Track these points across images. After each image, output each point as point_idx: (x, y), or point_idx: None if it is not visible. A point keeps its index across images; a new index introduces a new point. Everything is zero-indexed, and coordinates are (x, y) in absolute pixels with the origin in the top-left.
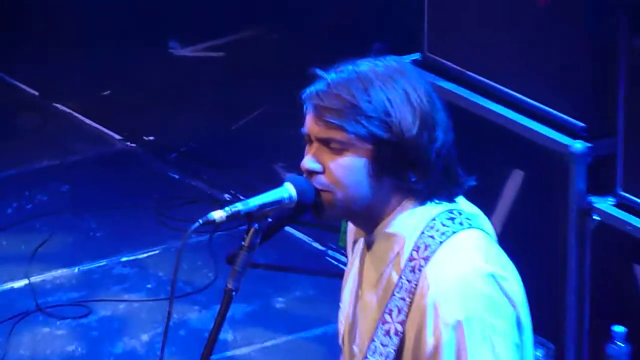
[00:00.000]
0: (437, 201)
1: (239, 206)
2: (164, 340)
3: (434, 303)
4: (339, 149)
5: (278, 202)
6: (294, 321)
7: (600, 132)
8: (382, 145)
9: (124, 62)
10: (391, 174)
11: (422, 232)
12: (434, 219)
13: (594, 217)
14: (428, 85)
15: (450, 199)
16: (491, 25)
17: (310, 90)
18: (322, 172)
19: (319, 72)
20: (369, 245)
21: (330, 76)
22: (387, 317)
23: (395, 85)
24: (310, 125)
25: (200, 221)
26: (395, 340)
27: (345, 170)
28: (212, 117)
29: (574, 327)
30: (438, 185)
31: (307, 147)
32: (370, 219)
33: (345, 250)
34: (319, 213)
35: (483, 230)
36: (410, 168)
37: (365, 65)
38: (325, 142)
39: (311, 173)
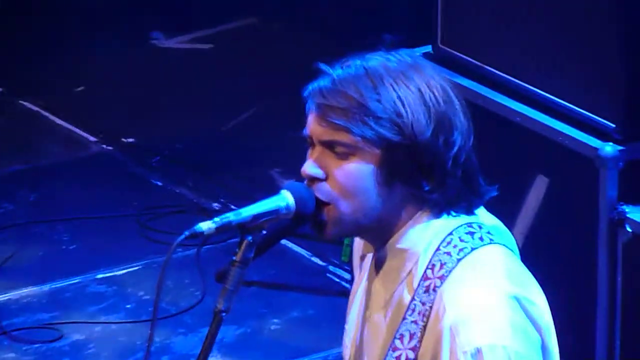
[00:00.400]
0: (454, 213)
1: (230, 216)
2: None
3: (450, 328)
4: (345, 153)
5: (274, 212)
6: (291, 345)
7: (633, 133)
8: (392, 149)
9: (100, 54)
10: (402, 182)
11: (438, 249)
12: (450, 234)
13: (627, 228)
14: (446, 83)
15: (470, 211)
16: (512, 14)
17: (313, 87)
18: (325, 179)
19: (323, 67)
20: (378, 262)
21: (336, 72)
22: (398, 343)
23: (408, 83)
24: (312, 126)
25: (187, 233)
26: None
27: (351, 176)
28: (200, 116)
29: (604, 352)
30: (455, 195)
31: (309, 151)
32: (379, 233)
33: (350, 266)
34: (321, 231)
35: (506, 246)
36: (423, 175)
37: (375, 61)
38: (329, 146)
39: (313, 180)
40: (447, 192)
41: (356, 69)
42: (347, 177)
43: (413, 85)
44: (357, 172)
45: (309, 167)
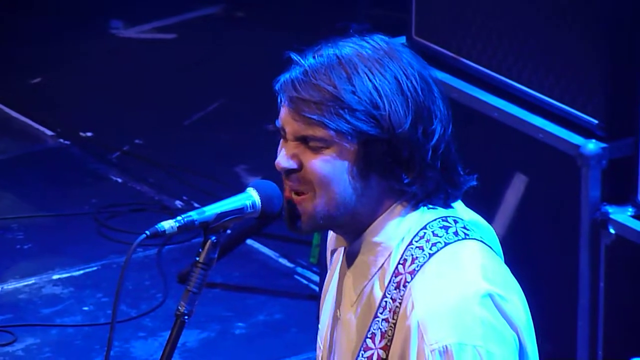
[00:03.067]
0: (431, 206)
1: (193, 215)
2: None
3: (418, 324)
4: (319, 147)
5: (239, 211)
6: (257, 351)
7: (617, 130)
8: (370, 142)
9: (57, 44)
10: (380, 175)
11: (410, 243)
12: (424, 228)
13: (610, 230)
14: (424, 69)
15: (447, 203)
16: (490, 4)
17: (285, 78)
18: (299, 170)
19: (294, 56)
20: (349, 255)
21: (308, 61)
22: (370, 342)
23: (383, 72)
24: (285, 119)
25: (148, 232)
26: None
27: (325, 168)
28: (162, 110)
29: (586, 357)
30: (434, 187)
31: (281, 142)
32: (354, 226)
33: (318, 267)
34: (295, 224)
35: (482, 242)
36: (402, 168)
37: (348, 48)
38: (304, 140)
39: (287, 172)
40: (427, 184)
41: (329, 59)
42: (322, 168)
43: (389, 74)
44: (332, 165)
45: (283, 160)
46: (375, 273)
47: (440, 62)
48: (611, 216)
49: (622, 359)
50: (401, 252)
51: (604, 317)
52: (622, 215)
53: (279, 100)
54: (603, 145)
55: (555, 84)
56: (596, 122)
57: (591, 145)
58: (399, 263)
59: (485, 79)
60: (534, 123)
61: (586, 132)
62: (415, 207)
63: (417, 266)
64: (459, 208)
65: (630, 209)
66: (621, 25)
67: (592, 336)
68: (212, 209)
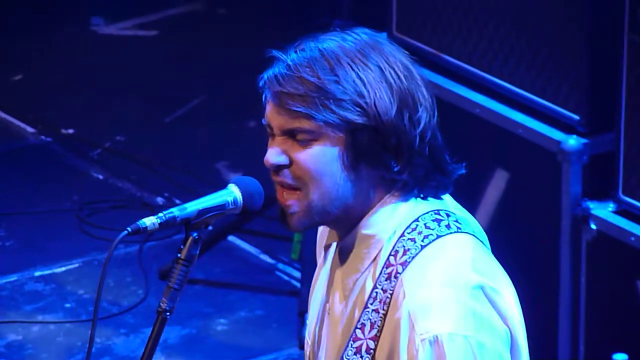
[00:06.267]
0: (423, 196)
1: (174, 212)
2: None
3: (409, 314)
4: (307, 140)
5: (220, 207)
6: (238, 347)
7: (598, 125)
8: (357, 131)
9: (38, 41)
10: (370, 164)
11: (402, 235)
12: (416, 220)
13: (591, 225)
14: (406, 58)
15: (438, 193)
16: (471, 1)
17: (268, 74)
18: (290, 165)
19: (276, 53)
20: (342, 250)
21: (291, 56)
22: (359, 332)
23: (366, 62)
24: (271, 115)
25: (129, 229)
26: (367, 359)
27: (315, 160)
28: (143, 107)
29: (568, 354)
30: (424, 175)
31: (269, 140)
32: (348, 220)
33: (299, 263)
34: (289, 221)
35: (474, 236)
36: (391, 156)
37: (330, 41)
38: (291, 134)
39: (277, 168)
40: (416, 172)
41: (311, 52)
42: (312, 161)
43: (372, 64)
44: (322, 156)
45: (272, 156)
46: (368, 266)
47: (422, 59)
48: (592, 212)
49: (603, 354)
50: (393, 244)
51: (585, 313)
52: (603, 211)
53: (263, 97)
54: (584, 141)
55: (536, 80)
56: (577, 117)
57: (572, 141)
58: (390, 254)
59: (466, 75)
60: (515, 119)
61: (567, 127)
62: (407, 198)
63: (409, 257)
64: (449, 202)
65: (611, 205)
66: (602, 21)
67: (573, 331)
68: (194, 206)
